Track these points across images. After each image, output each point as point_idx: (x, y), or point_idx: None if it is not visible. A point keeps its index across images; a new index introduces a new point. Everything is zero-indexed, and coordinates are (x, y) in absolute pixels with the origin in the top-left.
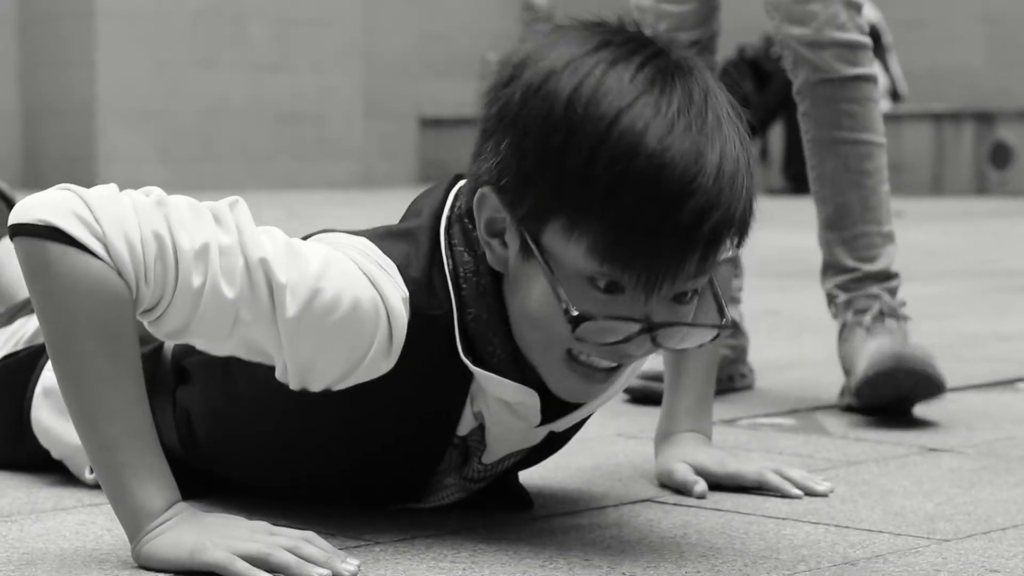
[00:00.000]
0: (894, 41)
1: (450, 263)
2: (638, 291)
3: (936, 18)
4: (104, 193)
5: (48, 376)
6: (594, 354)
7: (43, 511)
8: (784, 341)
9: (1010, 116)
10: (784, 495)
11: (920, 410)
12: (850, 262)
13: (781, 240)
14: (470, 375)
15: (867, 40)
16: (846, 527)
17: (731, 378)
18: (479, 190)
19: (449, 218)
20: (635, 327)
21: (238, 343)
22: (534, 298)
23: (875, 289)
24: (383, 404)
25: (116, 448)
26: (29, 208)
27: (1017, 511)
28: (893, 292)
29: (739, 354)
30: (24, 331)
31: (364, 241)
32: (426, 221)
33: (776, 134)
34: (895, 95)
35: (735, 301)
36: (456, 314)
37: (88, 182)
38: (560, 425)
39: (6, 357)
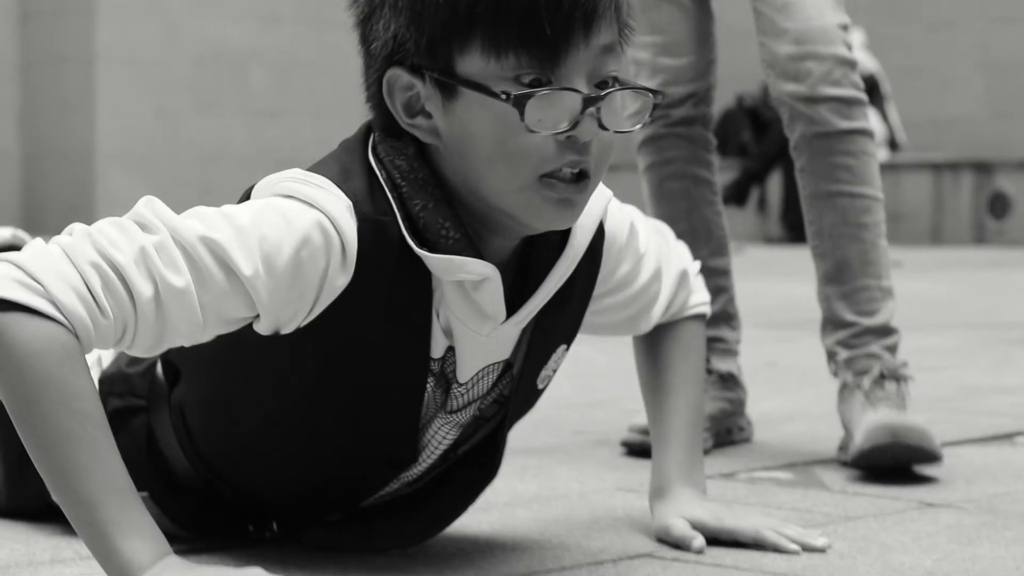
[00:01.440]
0: (892, 90)
1: (383, 172)
2: (557, 69)
3: (935, 67)
4: (31, 251)
5: None
6: (556, 162)
7: (41, 563)
8: (782, 394)
9: (1009, 166)
10: (781, 551)
11: (919, 466)
12: (850, 316)
13: (780, 290)
14: (429, 277)
15: (862, 96)
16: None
17: (729, 431)
18: (384, 78)
19: (371, 144)
20: (576, 100)
21: (216, 324)
22: (480, 137)
23: (875, 347)
24: (356, 338)
25: (95, 505)
26: None
27: (1016, 567)
28: (893, 349)
29: (737, 407)
30: None
31: (295, 170)
32: (350, 144)
33: (774, 183)
34: (893, 144)
35: (732, 354)
36: (401, 213)
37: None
38: (523, 316)
39: None
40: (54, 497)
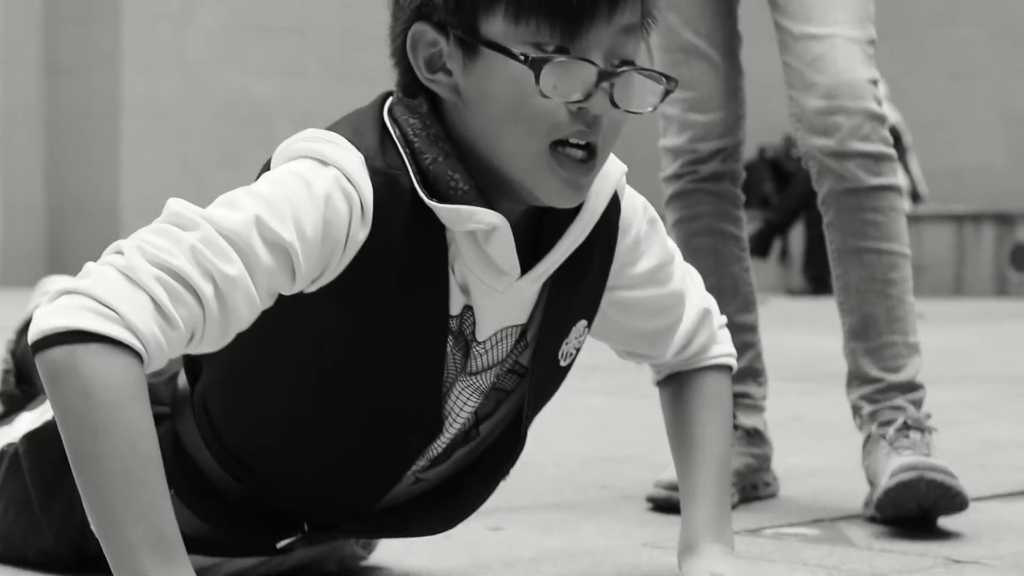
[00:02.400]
0: (914, 141)
1: (396, 130)
2: (577, 41)
3: (956, 118)
4: (93, 277)
5: None
6: (566, 130)
7: None
8: (808, 448)
9: None
10: None
11: (945, 521)
12: (875, 372)
13: (803, 342)
14: (443, 230)
15: (891, 151)
16: None
17: (755, 486)
18: (409, 32)
19: (387, 106)
20: (591, 72)
21: (268, 300)
22: (496, 97)
23: (900, 400)
24: (375, 296)
25: (138, 553)
26: (44, 321)
27: None
28: (918, 404)
29: (763, 462)
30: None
31: (309, 130)
32: (364, 108)
33: (796, 234)
34: (915, 196)
35: (758, 409)
36: (413, 168)
37: None
38: (538, 274)
39: (44, 425)
40: (96, 531)
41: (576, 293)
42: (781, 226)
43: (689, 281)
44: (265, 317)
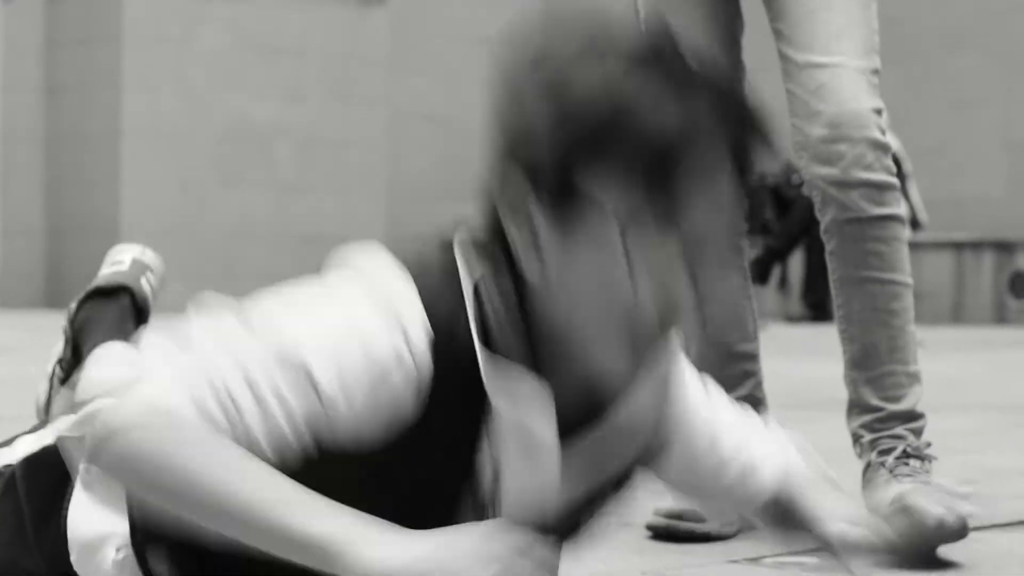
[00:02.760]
0: (914, 169)
1: (465, 270)
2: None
3: (956, 146)
4: (154, 392)
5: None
6: (642, 292)
7: None
8: None
9: None
10: None
11: (944, 549)
12: (876, 401)
13: (803, 369)
14: (485, 399)
15: (894, 181)
16: None
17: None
18: (500, 169)
19: (458, 240)
20: (673, 236)
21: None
22: (580, 261)
23: (900, 429)
24: (399, 451)
25: (304, 521)
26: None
27: None
28: (918, 432)
29: None
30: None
31: (396, 271)
32: (435, 243)
33: (796, 261)
34: (915, 223)
35: None
36: (474, 316)
37: None
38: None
39: (41, 450)
40: (258, 545)
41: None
42: (781, 253)
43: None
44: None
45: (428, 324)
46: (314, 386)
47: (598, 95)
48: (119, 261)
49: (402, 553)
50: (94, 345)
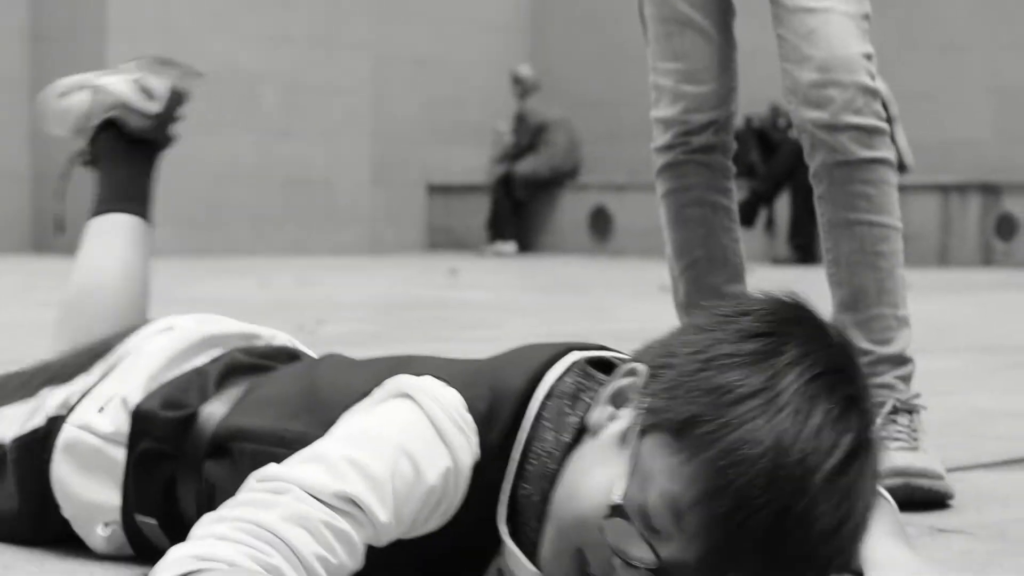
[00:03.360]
0: (901, 112)
1: (530, 433)
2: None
3: (944, 90)
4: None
5: (68, 433)
6: (591, 557)
7: None
8: None
9: (1016, 188)
10: None
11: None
12: (865, 345)
13: None
14: (499, 543)
15: (884, 125)
16: None
17: None
18: (635, 363)
19: (552, 390)
20: (649, 560)
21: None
22: (593, 476)
23: (889, 377)
24: (414, 554)
25: None
26: None
27: None
28: (907, 379)
29: None
30: (48, 405)
31: (454, 397)
32: (521, 385)
33: (782, 204)
34: (901, 167)
35: None
36: (511, 485)
37: None
38: None
39: (31, 433)
40: None
41: None
42: (767, 195)
43: None
44: None
45: (476, 453)
46: (373, 522)
47: (758, 434)
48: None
49: None
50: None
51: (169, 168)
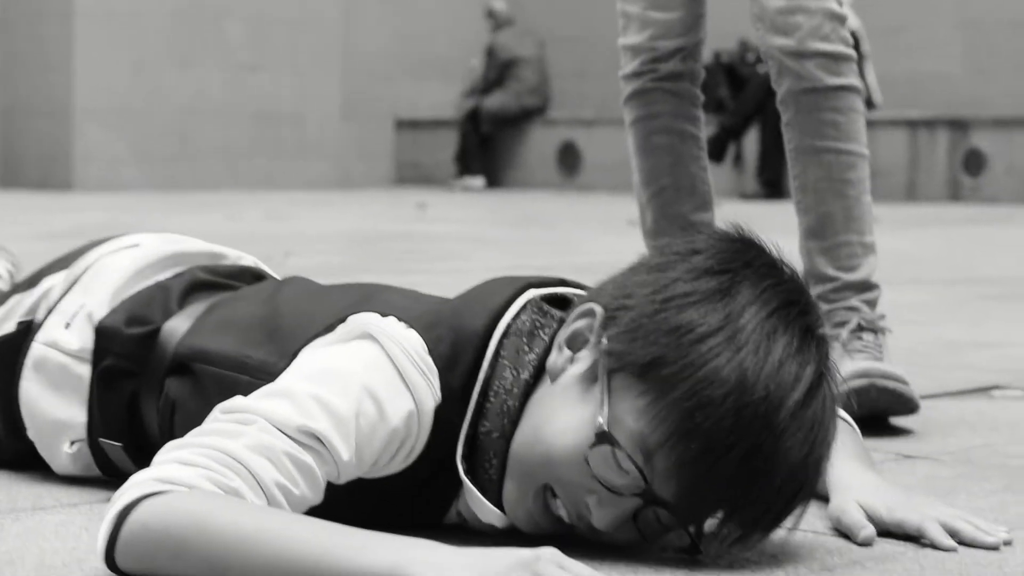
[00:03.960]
0: (872, 47)
1: (488, 372)
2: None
3: (914, 25)
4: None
5: (36, 351)
6: (564, 496)
7: (22, 510)
8: None
9: (984, 124)
10: (939, 548)
11: (896, 419)
12: (831, 271)
13: None
14: (460, 486)
15: (851, 52)
16: (823, 534)
17: None
18: (591, 304)
19: (508, 328)
20: (638, 485)
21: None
22: (559, 419)
23: (855, 301)
24: (375, 495)
25: (327, 553)
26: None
27: (993, 519)
28: (873, 304)
29: None
30: (18, 311)
31: (415, 339)
32: (481, 326)
33: (751, 139)
34: (869, 104)
35: None
36: (469, 423)
37: (65, 181)
38: None
39: (2, 339)
40: None
41: None
42: (736, 130)
43: None
44: None
45: (438, 395)
46: (335, 459)
47: (721, 368)
48: None
49: (458, 562)
50: None
51: (138, 103)
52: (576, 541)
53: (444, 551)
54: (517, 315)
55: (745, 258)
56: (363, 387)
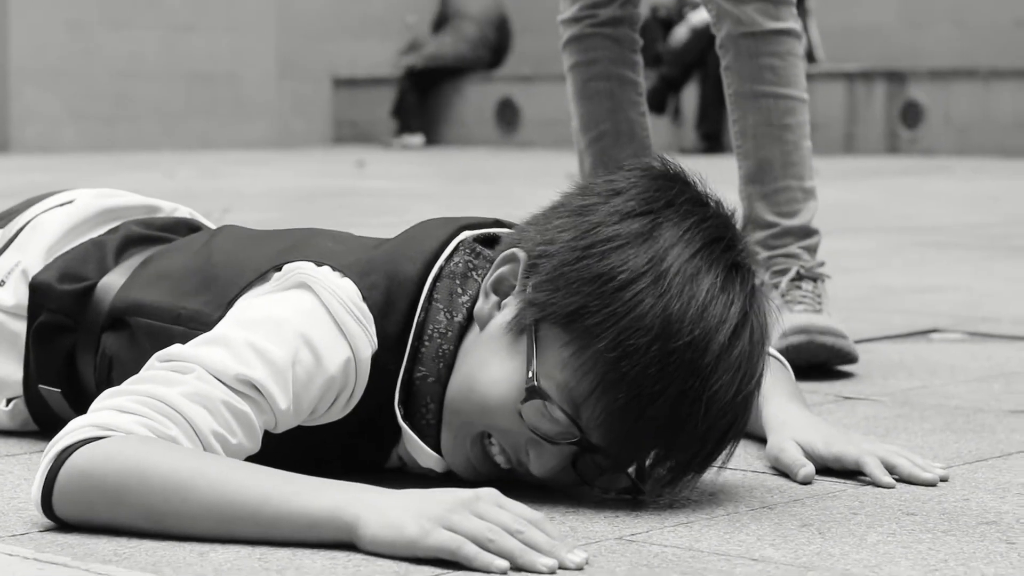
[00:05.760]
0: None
1: (422, 316)
2: (612, 442)
3: None
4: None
5: None
6: (502, 443)
7: None
8: None
9: (921, 76)
10: (877, 484)
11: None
12: (770, 217)
13: None
14: (400, 432)
15: None
16: (763, 473)
17: None
18: (514, 249)
19: (441, 270)
20: (572, 435)
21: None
22: (490, 369)
23: (794, 248)
24: (315, 442)
25: (269, 501)
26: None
27: (932, 458)
28: (812, 250)
29: None
30: None
31: (350, 287)
32: (415, 271)
33: (690, 93)
34: (811, 58)
35: None
36: (404, 369)
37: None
38: None
39: None
40: (265, 538)
41: None
42: (676, 82)
43: None
44: None
45: (374, 343)
46: (272, 408)
47: (644, 315)
48: None
49: (398, 504)
50: None
51: (74, 64)
52: (516, 483)
53: (384, 493)
54: (450, 257)
55: (667, 197)
56: (300, 336)
